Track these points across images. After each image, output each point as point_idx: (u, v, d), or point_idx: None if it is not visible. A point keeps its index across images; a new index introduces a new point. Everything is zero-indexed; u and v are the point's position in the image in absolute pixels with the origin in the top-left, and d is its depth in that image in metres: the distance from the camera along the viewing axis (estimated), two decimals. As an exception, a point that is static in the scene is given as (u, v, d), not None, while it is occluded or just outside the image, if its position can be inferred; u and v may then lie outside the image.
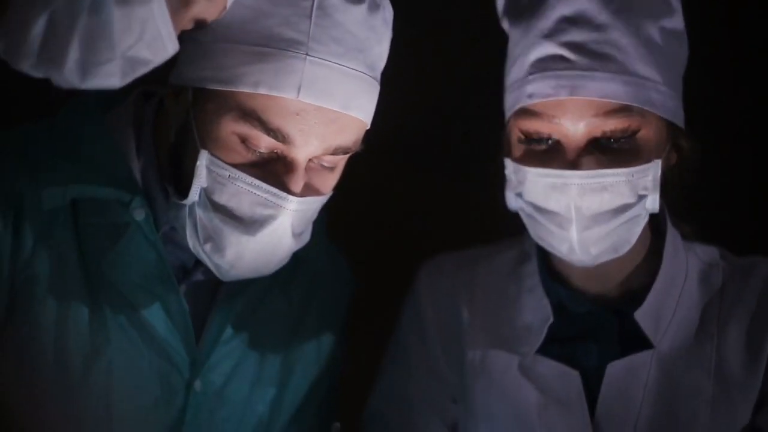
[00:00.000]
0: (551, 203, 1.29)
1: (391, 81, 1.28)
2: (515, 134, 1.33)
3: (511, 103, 1.33)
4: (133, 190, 1.27)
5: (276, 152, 1.21)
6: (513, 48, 1.36)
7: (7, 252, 1.22)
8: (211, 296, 1.34)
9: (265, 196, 1.20)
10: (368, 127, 1.26)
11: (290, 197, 1.21)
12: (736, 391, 1.34)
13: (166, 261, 1.27)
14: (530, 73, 1.30)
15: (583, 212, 1.28)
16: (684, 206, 1.40)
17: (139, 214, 1.26)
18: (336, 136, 1.21)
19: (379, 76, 1.27)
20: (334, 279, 1.47)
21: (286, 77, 1.18)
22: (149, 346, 1.28)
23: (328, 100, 1.19)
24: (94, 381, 1.24)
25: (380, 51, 1.26)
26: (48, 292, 1.24)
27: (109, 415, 1.25)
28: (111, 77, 1.10)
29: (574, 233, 1.29)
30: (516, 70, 1.33)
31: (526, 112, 1.30)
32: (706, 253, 1.44)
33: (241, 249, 1.23)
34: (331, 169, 1.26)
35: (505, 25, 1.39)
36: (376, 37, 1.24)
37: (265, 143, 1.20)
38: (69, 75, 1.08)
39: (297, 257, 1.32)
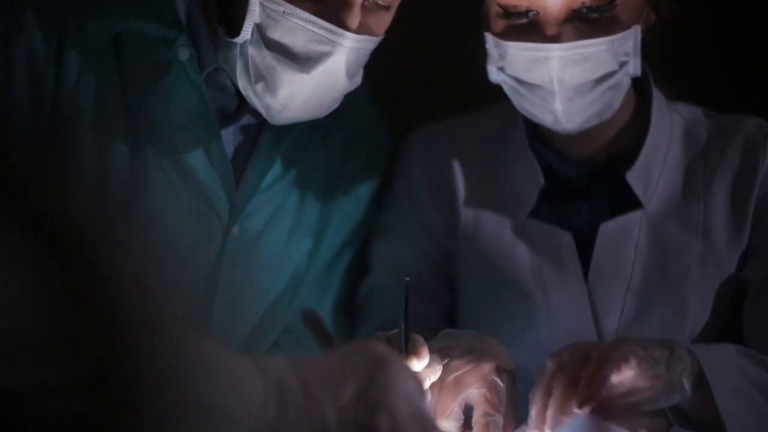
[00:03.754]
0: (534, 76, 1.28)
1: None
2: (494, 8, 1.31)
3: None
4: (178, 28, 1.24)
5: None
6: None
7: (50, 84, 1.20)
8: (253, 143, 1.33)
9: (321, 32, 1.18)
10: None
11: (347, 33, 1.18)
12: (723, 248, 1.35)
13: (208, 103, 1.25)
14: None
15: (566, 84, 1.27)
16: (665, 66, 1.37)
17: (183, 54, 1.24)
18: None
19: None
20: (372, 132, 1.46)
21: None
22: (189, 188, 1.26)
23: None
24: (133, 219, 1.23)
25: None
26: (89, 126, 1.22)
27: (148, 254, 1.25)
28: None
29: (558, 105, 1.29)
30: None
31: None
32: (689, 111, 1.44)
33: (295, 88, 1.21)
34: (387, 8, 1.23)
35: None
36: None
37: None
38: None
39: (336, 109, 1.30)
